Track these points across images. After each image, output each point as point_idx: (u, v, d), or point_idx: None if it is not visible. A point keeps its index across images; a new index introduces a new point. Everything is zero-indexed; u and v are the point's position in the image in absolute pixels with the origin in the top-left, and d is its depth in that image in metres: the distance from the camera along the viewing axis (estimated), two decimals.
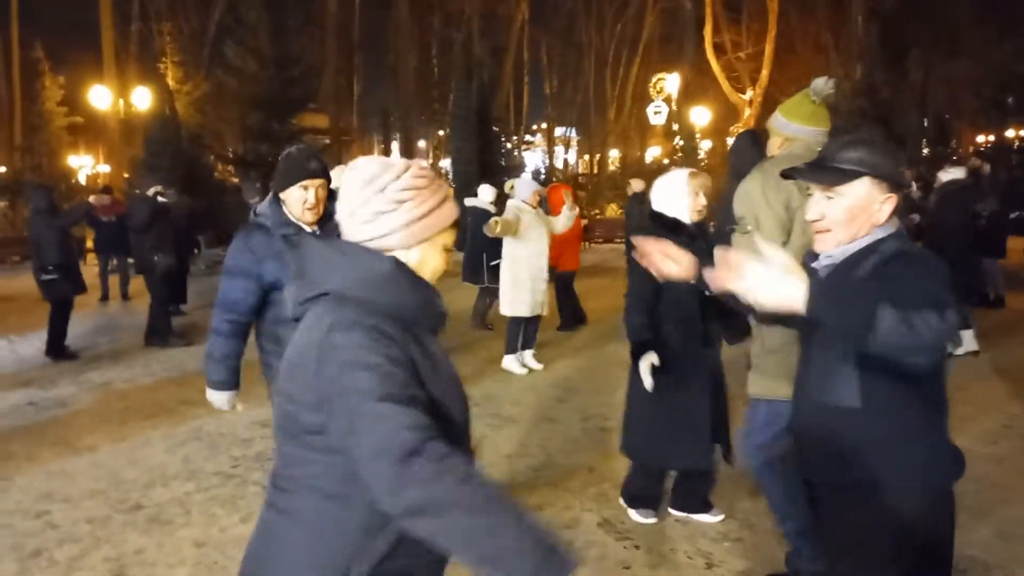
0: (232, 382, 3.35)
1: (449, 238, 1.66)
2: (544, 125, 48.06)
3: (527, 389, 6.71)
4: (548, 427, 5.66)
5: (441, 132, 42.16)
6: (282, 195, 3.22)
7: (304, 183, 3.15)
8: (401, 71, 31.12)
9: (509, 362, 7.30)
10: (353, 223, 1.59)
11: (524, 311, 7.15)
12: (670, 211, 3.71)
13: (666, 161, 32.71)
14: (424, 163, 1.68)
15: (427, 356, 1.54)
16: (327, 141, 26.23)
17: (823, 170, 1.94)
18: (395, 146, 45.70)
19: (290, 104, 21.34)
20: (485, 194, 9.05)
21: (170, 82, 23.82)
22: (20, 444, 5.42)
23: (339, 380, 1.41)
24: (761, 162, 3.28)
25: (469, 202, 9.08)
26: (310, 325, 1.53)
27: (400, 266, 1.57)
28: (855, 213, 1.91)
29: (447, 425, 1.49)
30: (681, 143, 27.87)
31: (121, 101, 22.58)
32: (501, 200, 8.38)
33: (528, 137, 49.20)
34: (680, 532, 3.91)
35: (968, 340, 7.43)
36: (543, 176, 34.67)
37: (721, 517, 4.03)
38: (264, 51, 20.74)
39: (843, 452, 1.92)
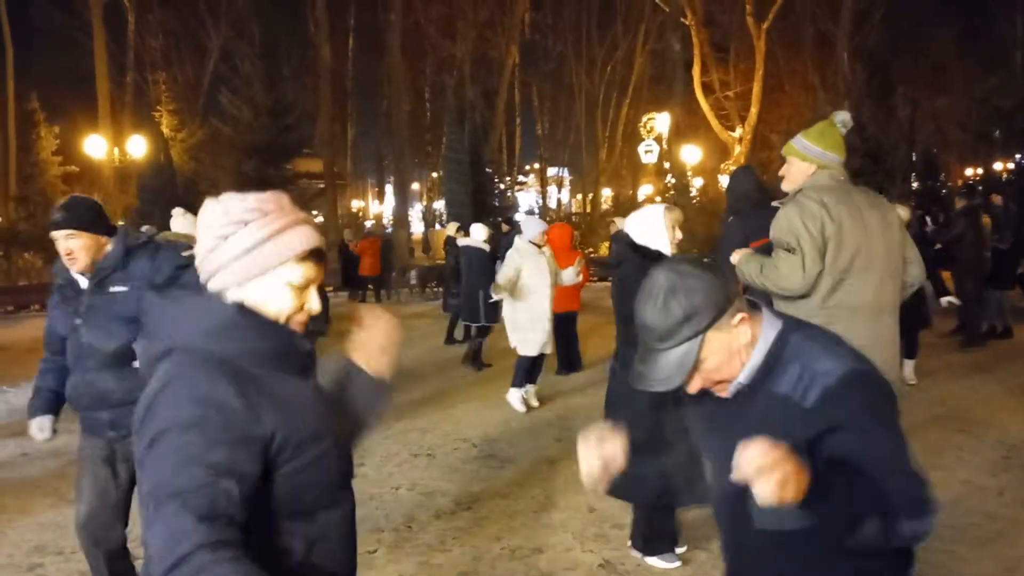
0: None
1: (295, 274, 1.48)
2: (537, 166, 48.50)
3: (525, 430, 6.66)
4: (547, 468, 5.61)
5: (435, 174, 42.52)
6: None
7: (52, 234, 3.05)
8: (394, 116, 31.45)
9: (513, 396, 7.28)
10: (199, 264, 1.51)
11: (532, 350, 7.20)
12: (653, 244, 3.79)
13: (658, 199, 32.95)
14: (272, 194, 1.51)
15: (285, 403, 1.46)
16: (321, 185, 26.52)
17: (660, 366, 1.62)
18: (389, 189, 46.03)
19: (285, 150, 21.57)
20: (478, 233, 9.13)
21: (165, 130, 24.02)
22: (12, 496, 5.35)
23: (150, 451, 1.34)
24: (794, 193, 3.36)
25: (462, 242, 9.15)
26: (152, 384, 1.44)
27: (243, 312, 1.46)
28: (724, 361, 1.64)
29: (310, 466, 1.46)
30: (673, 181, 28.12)
31: (116, 150, 22.76)
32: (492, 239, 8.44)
33: (521, 178, 49.60)
34: (683, 572, 3.86)
35: (907, 371, 7.43)
36: (536, 215, 34.81)
37: (677, 564, 3.90)
38: (258, 99, 21.01)
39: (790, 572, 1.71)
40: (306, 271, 1.50)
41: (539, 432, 6.55)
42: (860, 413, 1.57)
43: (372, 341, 1.74)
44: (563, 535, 4.37)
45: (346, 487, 1.63)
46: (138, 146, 20.72)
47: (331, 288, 20.01)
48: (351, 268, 18.68)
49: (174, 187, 19.34)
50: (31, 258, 22.99)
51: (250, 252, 1.45)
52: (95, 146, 22.19)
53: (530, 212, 36.80)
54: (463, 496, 5.05)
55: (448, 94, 31.31)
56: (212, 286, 1.49)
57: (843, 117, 3.41)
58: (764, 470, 1.37)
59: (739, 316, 1.62)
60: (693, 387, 1.67)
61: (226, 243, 1.45)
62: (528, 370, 7.35)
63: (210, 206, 1.49)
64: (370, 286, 18.64)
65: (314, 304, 1.53)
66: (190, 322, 1.45)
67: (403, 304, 18.06)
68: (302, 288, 1.50)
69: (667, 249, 3.76)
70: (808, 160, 3.33)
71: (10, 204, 26.22)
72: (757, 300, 1.75)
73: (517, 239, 7.40)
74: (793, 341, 1.66)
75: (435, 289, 19.22)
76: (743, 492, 1.47)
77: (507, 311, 7.39)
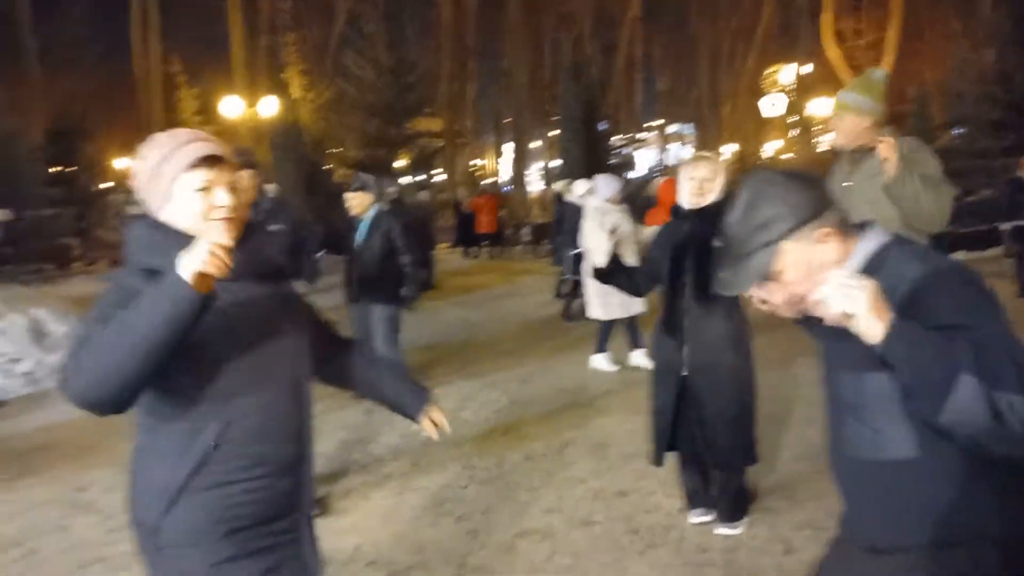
0: None
1: (195, 180, 1.74)
2: (657, 122, 47.56)
3: (619, 381, 6.79)
4: (637, 419, 5.69)
5: (553, 132, 42.47)
6: None
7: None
8: (514, 73, 31.59)
9: (598, 361, 7.15)
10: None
11: (616, 313, 7.01)
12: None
13: (785, 155, 31.79)
14: (169, 131, 1.84)
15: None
16: (441, 144, 27.03)
17: (735, 272, 1.67)
18: (508, 147, 46.33)
19: (406, 110, 22.10)
20: (581, 189, 9.22)
21: (295, 91, 25.00)
22: None
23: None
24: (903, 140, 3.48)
25: (568, 199, 9.28)
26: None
27: (153, 226, 1.79)
28: (803, 276, 1.61)
29: (219, 356, 1.76)
30: (799, 135, 27.07)
31: (250, 110, 23.99)
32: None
33: (640, 135, 48.80)
34: (760, 518, 3.93)
35: None
36: (656, 174, 34.24)
37: (739, 530, 3.78)
38: (382, 59, 21.55)
39: (904, 511, 1.62)
40: (204, 175, 1.76)
41: (632, 384, 6.63)
42: (951, 311, 1.48)
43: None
44: (648, 481, 4.49)
45: (272, 380, 1.86)
46: (270, 107, 21.73)
47: (446, 245, 20.58)
48: (465, 226, 19.12)
49: (302, 146, 20.17)
50: None
51: (152, 177, 1.77)
52: (231, 107, 23.44)
53: (651, 171, 36.21)
54: (554, 441, 5.26)
55: (566, 50, 31.11)
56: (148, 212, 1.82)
57: (880, 74, 3.65)
58: (842, 291, 1.40)
59: (824, 231, 1.60)
60: (776, 298, 1.67)
61: (137, 181, 1.80)
62: (609, 333, 7.16)
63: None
64: (484, 243, 19.04)
65: (221, 198, 1.77)
66: (131, 242, 1.80)
67: (516, 260, 18.35)
68: (208, 190, 1.76)
69: (685, 202, 3.75)
70: (863, 114, 3.47)
71: None
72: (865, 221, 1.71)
73: (591, 200, 7.23)
74: (892, 254, 1.61)
75: (548, 246, 19.41)
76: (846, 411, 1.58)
77: (585, 273, 7.14)
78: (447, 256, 18.70)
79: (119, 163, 28.46)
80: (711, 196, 3.68)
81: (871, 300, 1.38)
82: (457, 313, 10.60)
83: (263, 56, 29.60)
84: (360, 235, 6.06)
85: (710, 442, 3.70)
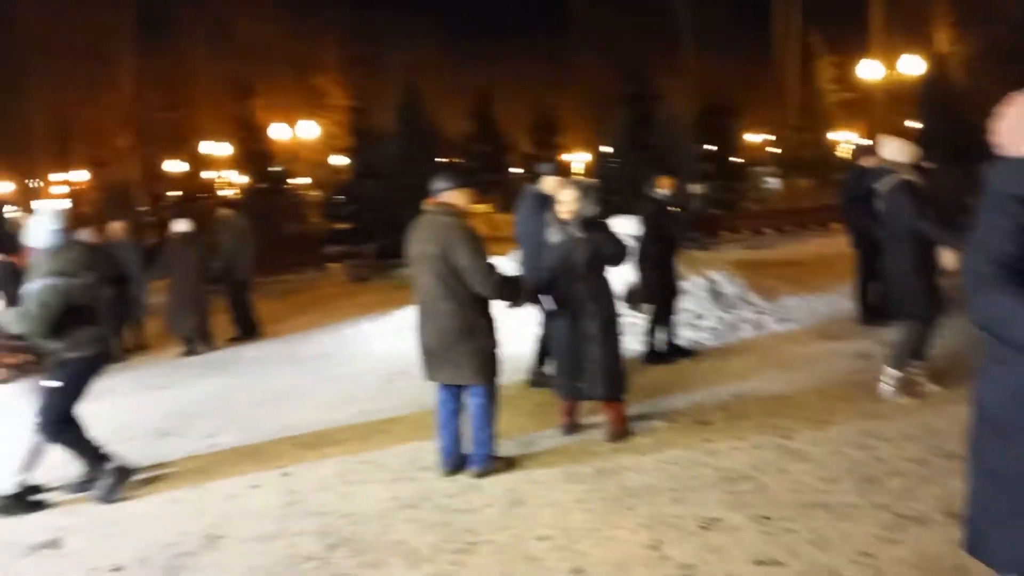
0: None
1: None
2: None
3: None
4: None
5: None
6: None
7: None
8: None
9: None
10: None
11: None
12: None
13: None
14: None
15: None
16: None
17: None
18: None
19: None
20: None
21: (941, 46, 23.17)
22: (843, 391, 6.27)
23: None
24: None
25: None
26: None
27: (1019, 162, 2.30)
28: None
29: None
30: None
31: (889, 72, 23.00)
32: None
33: None
34: None
35: None
36: None
37: None
38: None
39: None
40: None
41: None
42: None
43: None
44: None
45: None
46: (913, 66, 20.59)
47: None
48: None
49: (953, 107, 18.58)
50: (807, 182, 25.21)
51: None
52: (869, 70, 22.90)
53: None
54: None
55: None
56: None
57: None
58: None
59: None
60: None
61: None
62: None
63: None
64: None
65: None
66: (999, 175, 2.35)
67: None
68: None
69: None
70: None
71: (788, 132, 29.03)
72: None
73: None
74: None
75: None
76: None
77: None
78: None
79: (754, 138, 30.20)
80: None
81: None
82: None
83: (902, 14, 27.95)
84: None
85: None
